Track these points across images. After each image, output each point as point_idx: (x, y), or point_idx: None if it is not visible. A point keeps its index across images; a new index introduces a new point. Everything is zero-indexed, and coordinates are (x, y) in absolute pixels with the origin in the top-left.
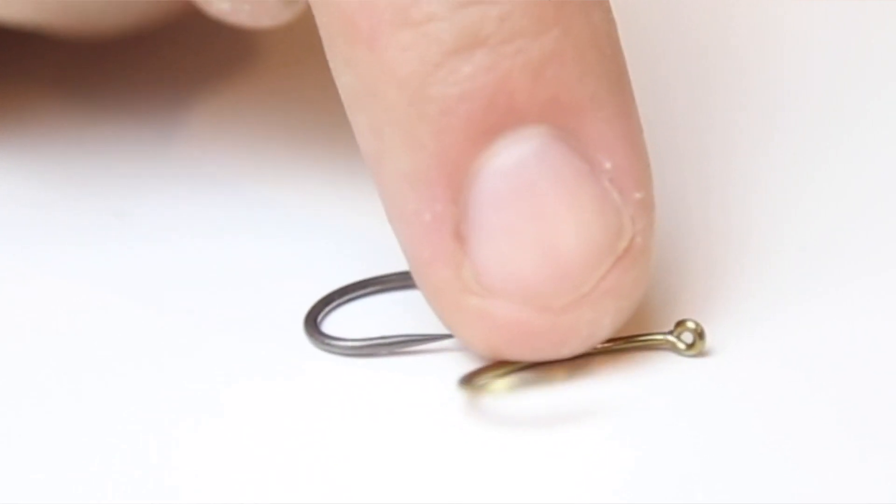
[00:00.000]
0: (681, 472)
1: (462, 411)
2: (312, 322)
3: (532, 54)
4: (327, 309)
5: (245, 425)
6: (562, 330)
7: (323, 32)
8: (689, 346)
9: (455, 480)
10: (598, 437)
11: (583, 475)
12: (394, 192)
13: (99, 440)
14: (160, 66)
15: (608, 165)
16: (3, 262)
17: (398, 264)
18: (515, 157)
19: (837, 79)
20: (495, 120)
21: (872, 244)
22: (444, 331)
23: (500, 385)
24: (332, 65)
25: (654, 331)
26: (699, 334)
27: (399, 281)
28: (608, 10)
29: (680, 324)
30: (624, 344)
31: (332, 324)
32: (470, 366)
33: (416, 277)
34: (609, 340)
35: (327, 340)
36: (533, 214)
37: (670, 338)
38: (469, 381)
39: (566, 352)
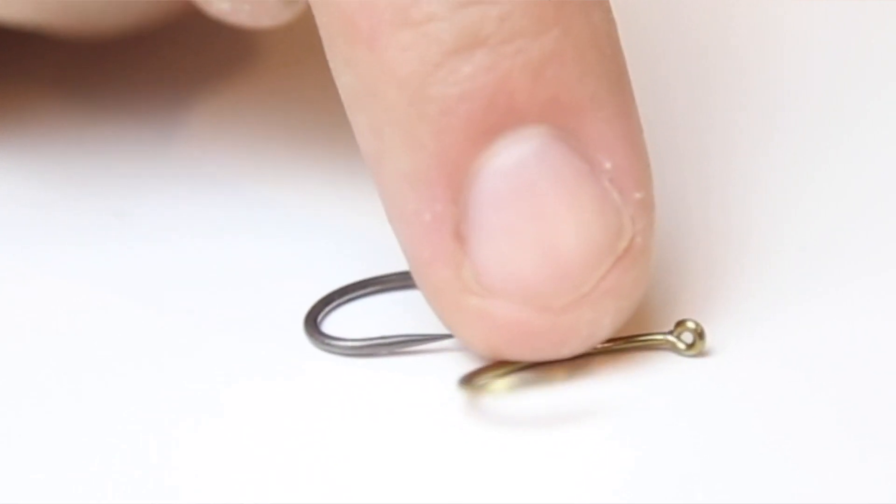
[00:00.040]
0: (681, 472)
1: (462, 411)
2: (312, 322)
3: (532, 54)
4: (327, 309)
5: (245, 425)
6: (562, 330)
7: (323, 32)
8: (689, 346)
9: (455, 480)
10: (598, 437)
11: (583, 475)
12: (394, 192)
13: (99, 440)
14: (160, 66)
15: (608, 165)
16: (3, 262)
17: (398, 264)
18: (515, 157)
19: (837, 79)
20: (495, 120)
21: (872, 244)
22: (444, 331)
23: (500, 385)
24: (332, 65)
25: (654, 331)
26: (699, 334)
27: (399, 281)
28: (608, 10)
29: (680, 324)
30: (624, 344)
31: (332, 324)
32: (470, 366)
33: (416, 277)
34: (609, 340)
35: (327, 340)
36: (533, 214)
37: (670, 338)
38: (469, 381)
39: (566, 352)
